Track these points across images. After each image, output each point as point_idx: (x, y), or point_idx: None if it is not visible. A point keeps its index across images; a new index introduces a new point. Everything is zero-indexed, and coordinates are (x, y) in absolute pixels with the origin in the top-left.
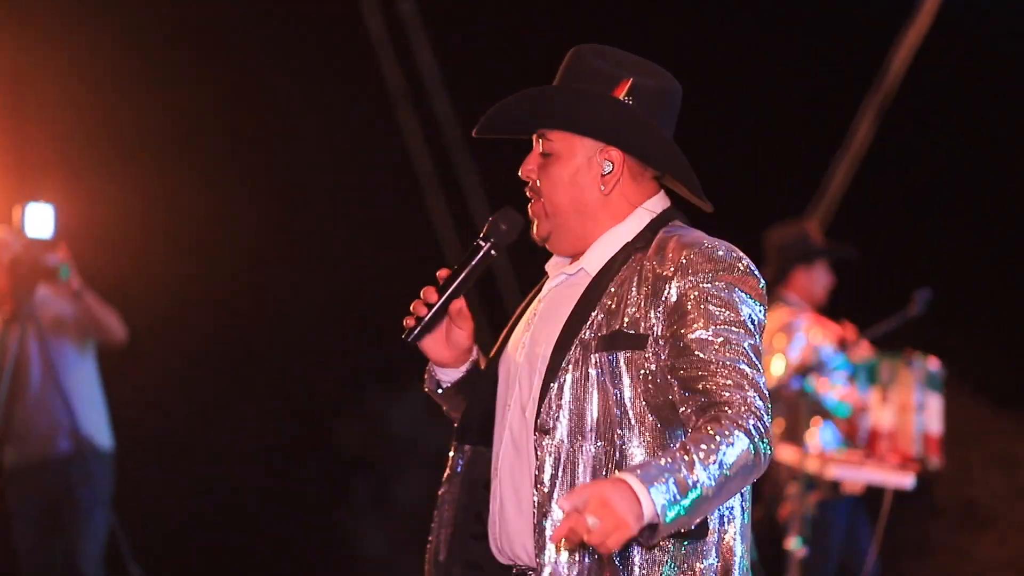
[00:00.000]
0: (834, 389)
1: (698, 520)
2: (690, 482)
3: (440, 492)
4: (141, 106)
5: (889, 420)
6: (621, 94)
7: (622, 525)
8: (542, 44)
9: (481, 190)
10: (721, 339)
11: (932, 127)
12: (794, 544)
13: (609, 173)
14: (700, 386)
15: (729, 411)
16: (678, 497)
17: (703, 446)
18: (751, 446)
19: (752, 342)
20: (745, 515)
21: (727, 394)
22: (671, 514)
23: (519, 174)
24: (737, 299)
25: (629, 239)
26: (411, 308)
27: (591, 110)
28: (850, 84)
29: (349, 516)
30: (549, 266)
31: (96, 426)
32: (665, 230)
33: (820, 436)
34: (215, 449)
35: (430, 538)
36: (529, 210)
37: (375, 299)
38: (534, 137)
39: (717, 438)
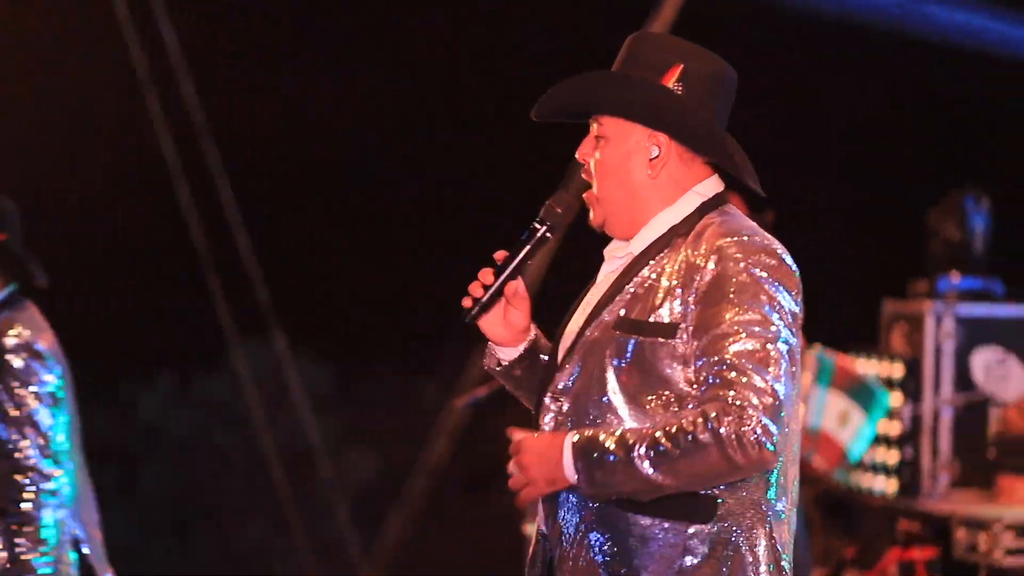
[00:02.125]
0: None
1: (647, 496)
2: (621, 466)
3: None
4: None
5: None
6: (671, 80)
7: (533, 482)
8: (285, 29)
9: (227, 175)
10: (744, 336)
11: None
12: (531, 529)
13: (656, 157)
14: (714, 385)
15: (718, 413)
16: (600, 477)
17: (663, 440)
18: (719, 453)
19: (778, 341)
20: (773, 509)
21: (732, 393)
22: (590, 488)
23: (576, 156)
24: (769, 294)
25: (676, 222)
26: (468, 289)
27: (635, 95)
28: None
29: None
30: (607, 251)
31: None
32: (710, 216)
33: None
34: None
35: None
36: (585, 197)
37: (123, 285)
38: (590, 122)
39: (682, 435)
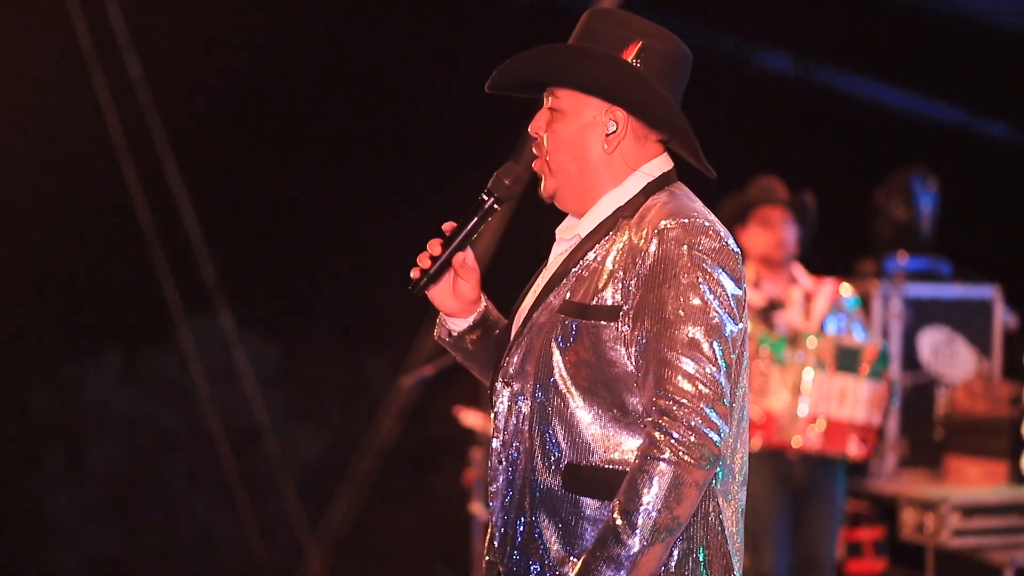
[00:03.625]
0: None
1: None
2: (626, 564)
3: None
4: None
5: None
6: (630, 56)
7: None
8: (229, 5)
9: (172, 153)
10: (683, 323)
11: None
12: (478, 508)
13: (613, 132)
14: (653, 373)
15: (656, 438)
16: None
17: (621, 529)
18: (676, 471)
19: (720, 326)
20: (720, 488)
21: (669, 402)
22: None
23: (528, 130)
24: (711, 277)
25: (622, 203)
26: (417, 260)
27: (596, 68)
28: None
29: (39, 484)
30: (558, 231)
31: None
32: (656, 196)
33: None
34: None
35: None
36: (535, 167)
37: (69, 264)
38: (544, 95)
39: (638, 487)
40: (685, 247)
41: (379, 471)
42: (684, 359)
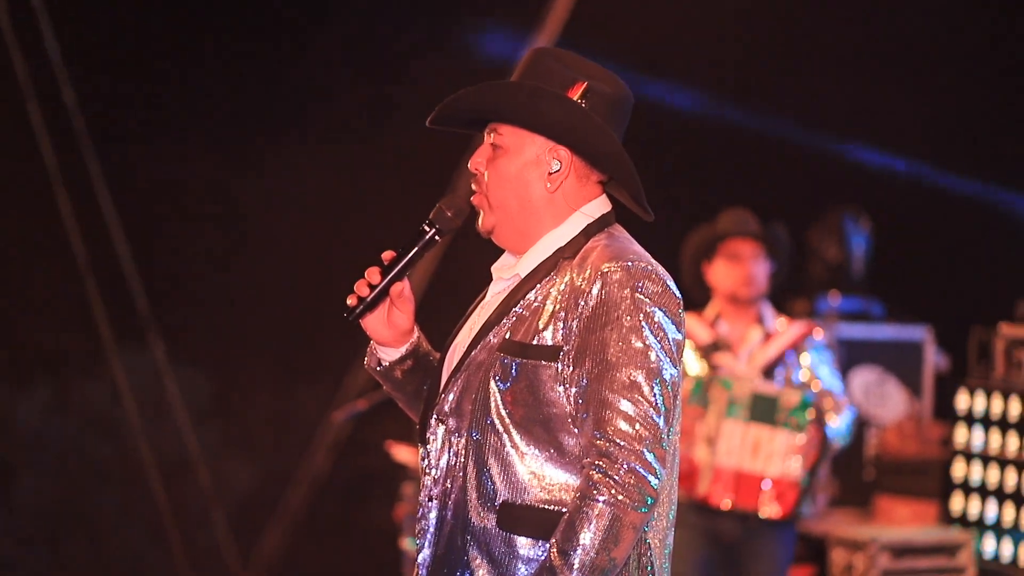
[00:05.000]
0: None
1: None
2: None
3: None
4: None
5: None
6: (575, 96)
7: None
8: (169, 33)
9: (106, 182)
10: (623, 367)
11: None
12: (409, 544)
13: (556, 172)
14: (593, 414)
15: (594, 480)
16: None
17: (558, 568)
18: (614, 511)
19: (659, 370)
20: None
21: (608, 443)
22: None
23: (468, 166)
24: (652, 321)
25: (562, 244)
26: (354, 287)
27: (546, 107)
28: None
29: None
30: (495, 268)
31: None
32: (597, 238)
33: None
34: None
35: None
36: (473, 201)
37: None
38: (485, 131)
39: (577, 529)
40: (628, 290)
41: (310, 504)
42: (624, 400)
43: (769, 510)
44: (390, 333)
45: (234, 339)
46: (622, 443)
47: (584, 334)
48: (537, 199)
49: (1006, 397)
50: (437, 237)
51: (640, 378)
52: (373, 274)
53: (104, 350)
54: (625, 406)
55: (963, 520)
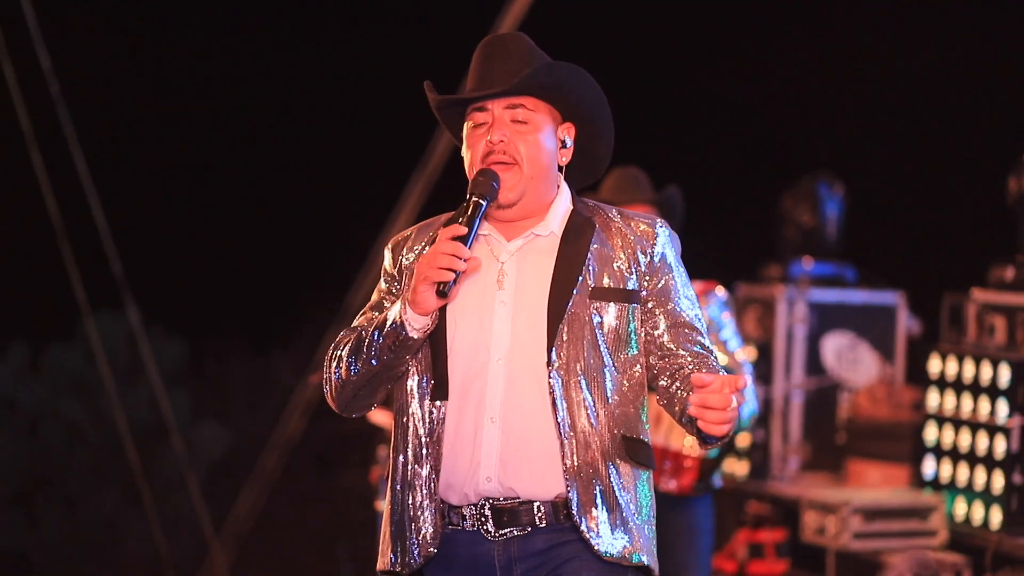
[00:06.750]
0: None
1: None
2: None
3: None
4: None
5: None
6: None
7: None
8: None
9: (82, 147)
10: (689, 305)
11: None
12: (384, 506)
13: (568, 147)
14: (684, 340)
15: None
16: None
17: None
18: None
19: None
20: None
21: (712, 355)
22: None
23: (491, 139)
24: (685, 271)
25: (572, 208)
26: (447, 265)
27: (591, 90)
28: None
29: None
30: (500, 237)
31: None
32: (595, 203)
33: None
34: None
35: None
36: (501, 172)
37: None
38: (491, 105)
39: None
40: (673, 248)
41: (284, 468)
42: (704, 334)
43: (666, 485)
44: (439, 303)
45: (208, 304)
46: (713, 349)
47: (654, 282)
48: (552, 170)
49: (978, 362)
50: (484, 204)
51: (700, 315)
52: (460, 249)
53: (79, 314)
54: (701, 326)
55: (935, 483)
